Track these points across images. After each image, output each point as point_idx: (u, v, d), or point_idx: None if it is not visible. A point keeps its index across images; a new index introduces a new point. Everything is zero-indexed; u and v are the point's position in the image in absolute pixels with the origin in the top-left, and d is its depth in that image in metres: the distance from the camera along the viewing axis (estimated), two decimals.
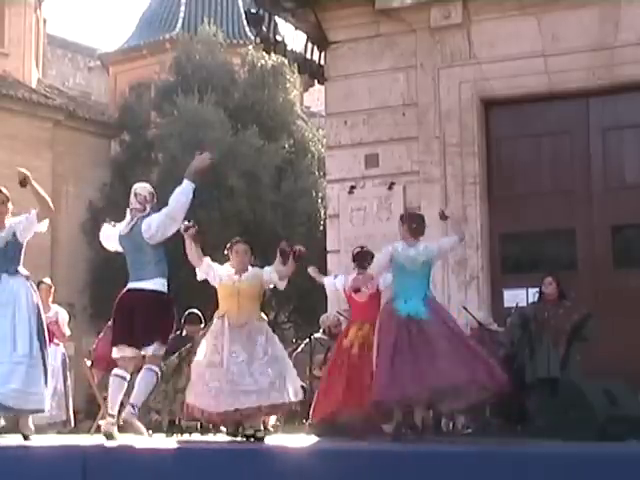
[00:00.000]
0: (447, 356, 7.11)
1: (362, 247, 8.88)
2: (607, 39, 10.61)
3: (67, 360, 11.02)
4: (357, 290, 8.25)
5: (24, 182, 7.06)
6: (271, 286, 7.81)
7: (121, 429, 7.23)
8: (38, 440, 7.08)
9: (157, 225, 7.19)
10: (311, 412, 8.37)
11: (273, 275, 7.55)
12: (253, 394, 7.09)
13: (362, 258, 8.65)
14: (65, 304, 12.23)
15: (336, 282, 8.81)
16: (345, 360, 8.28)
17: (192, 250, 7.49)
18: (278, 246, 7.66)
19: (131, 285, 7.27)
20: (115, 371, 7.21)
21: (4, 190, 7.31)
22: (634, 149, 10.89)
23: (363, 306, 8.47)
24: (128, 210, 7.40)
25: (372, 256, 8.57)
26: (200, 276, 7.61)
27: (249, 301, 7.47)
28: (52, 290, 10.80)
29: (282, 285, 7.67)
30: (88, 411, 14.10)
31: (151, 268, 7.22)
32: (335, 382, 8.26)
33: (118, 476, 5.87)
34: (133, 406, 7.08)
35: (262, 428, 7.34)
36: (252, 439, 7.13)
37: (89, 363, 10.84)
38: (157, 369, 7.27)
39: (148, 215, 7.28)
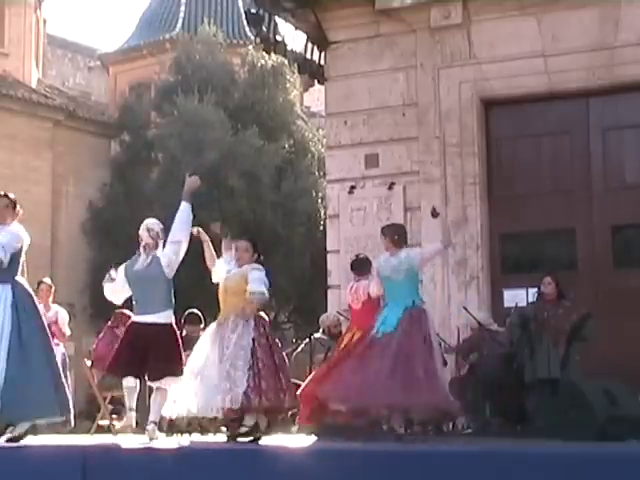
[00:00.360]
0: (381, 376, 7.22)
1: (358, 255, 8.89)
2: (607, 39, 10.60)
3: (67, 360, 11.01)
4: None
5: None
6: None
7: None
8: (38, 440, 7.08)
9: (174, 255, 7.37)
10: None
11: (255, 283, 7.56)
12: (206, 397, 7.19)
13: (360, 266, 8.67)
14: (65, 304, 12.22)
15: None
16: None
17: (207, 255, 7.61)
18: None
19: (142, 318, 7.40)
20: (158, 384, 7.36)
21: (10, 195, 7.29)
22: (634, 149, 10.88)
23: (358, 313, 8.51)
24: (141, 247, 7.52)
25: (370, 263, 8.58)
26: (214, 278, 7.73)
27: (235, 297, 7.49)
28: (52, 290, 10.81)
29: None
30: (88, 411, 14.08)
31: (162, 301, 7.40)
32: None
33: (118, 476, 5.87)
34: (154, 423, 7.34)
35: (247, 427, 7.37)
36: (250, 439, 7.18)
37: (89, 363, 10.83)
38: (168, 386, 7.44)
39: (159, 251, 7.46)
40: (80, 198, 22.70)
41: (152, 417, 7.39)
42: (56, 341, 10.64)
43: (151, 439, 7.19)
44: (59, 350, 10.80)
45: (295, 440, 7.29)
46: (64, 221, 22.59)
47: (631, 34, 10.50)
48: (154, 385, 7.45)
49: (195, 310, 9.99)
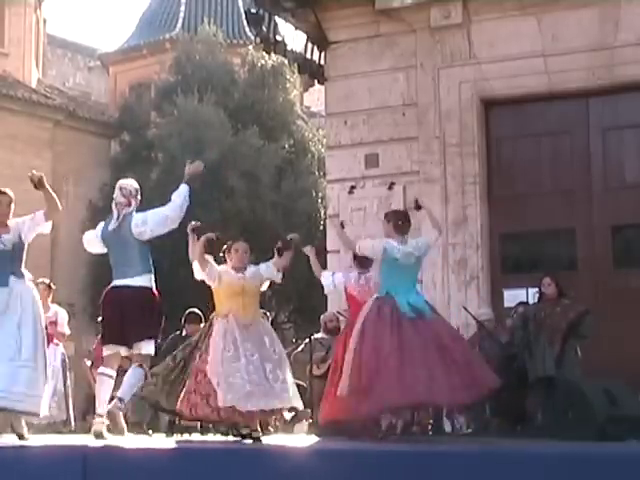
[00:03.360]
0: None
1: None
2: (607, 39, 10.60)
3: (67, 360, 11.02)
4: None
5: (40, 183, 7.02)
6: (267, 284, 7.77)
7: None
8: (38, 440, 7.08)
9: (153, 223, 7.20)
10: (320, 412, 8.23)
11: (271, 269, 7.55)
12: (273, 396, 7.07)
13: (363, 257, 8.56)
14: (65, 304, 12.24)
15: (335, 280, 8.69)
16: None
17: (196, 249, 7.48)
18: (276, 246, 7.66)
19: (118, 282, 7.22)
20: (101, 369, 7.19)
21: (9, 192, 7.28)
22: (634, 149, 10.88)
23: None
24: (113, 205, 7.37)
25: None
26: (199, 275, 7.59)
27: (252, 299, 7.47)
28: (51, 290, 10.82)
29: (279, 278, 7.65)
30: (88, 411, 14.10)
31: (137, 264, 7.21)
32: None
33: (118, 476, 5.86)
34: (120, 399, 7.08)
35: (259, 428, 7.30)
36: (248, 439, 7.12)
37: (89, 363, 10.85)
38: (146, 368, 7.26)
39: (132, 211, 7.28)
40: (80, 198, 22.70)
41: (120, 393, 7.07)
42: (56, 341, 10.70)
43: (109, 415, 6.95)
44: (59, 350, 10.85)
45: (295, 440, 7.29)
46: (64, 221, 22.58)
47: (631, 34, 10.50)
48: (134, 352, 7.17)
49: (195, 310, 10.00)
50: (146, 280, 7.22)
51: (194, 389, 7.22)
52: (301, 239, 7.86)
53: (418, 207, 7.91)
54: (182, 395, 7.30)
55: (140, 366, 7.19)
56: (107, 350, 7.25)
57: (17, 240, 7.15)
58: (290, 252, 7.60)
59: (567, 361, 8.89)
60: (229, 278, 7.45)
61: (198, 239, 7.46)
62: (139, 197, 7.41)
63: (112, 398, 7.19)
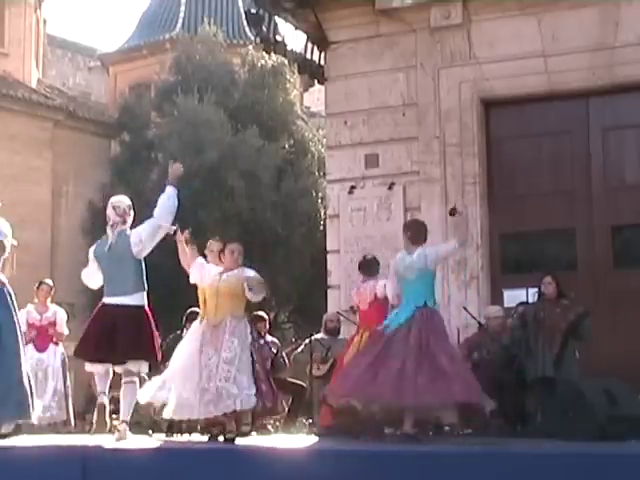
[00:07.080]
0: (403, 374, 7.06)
1: (365, 256, 8.84)
2: (607, 39, 10.60)
3: (67, 360, 11.02)
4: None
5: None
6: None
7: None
8: (38, 440, 7.08)
9: (146, 236, 7.22)
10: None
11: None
12: (213, 403, 7.15)
13: (368, 267, 8.63)
14: (65, 304, 12.23)
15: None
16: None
17: (184, 254, 7.58)
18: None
19: (111, 300, 7.21)
20: (127, 379, 7.21)
21: None
22: (634, 149, 10.87)
23: (365, 314, 8.48)
24: (108, 227, 7.38)
25: (378, 264, 8.54)
26: (192, 279, 7.66)
27: (228, 300, 7.47)
28: (52, 291, 10.85)
29: (256, 299, 7.66)
30: (88, 411, 14.10)
31: (132, 282, 7.21)
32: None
33: (118, 476, 5.87)
34: (124, 422, 7.20)
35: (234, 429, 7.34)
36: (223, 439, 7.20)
37: None
38: (137, 380, 7.30)
39: (127, 228, 7.31)
40: (80, 198, 22.70)
41: (123, 416, 7.24)
42: (55, 341, 10.71)
43: (120, 439, 7.02)
44: (59, 350, 10.85)
45: (295, 440, 7.29)
46: (64, 221, 22.58)
47: (631, 34, 10.50)
48: (120, 371, 7.25)
49: (196, 309, 10.00)
50: (139, 299, 7.20)
51: None
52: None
53: (453, 213, 7.87)
54: None
55: (132, 382, 7.22)
56: (93, 368, 7.26)
57: None
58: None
59: (565, 362, 8.88)
60: (207, 281, 7.55)
61: (186, 242, 7.58)
62: (132, 212, 7.42)
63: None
